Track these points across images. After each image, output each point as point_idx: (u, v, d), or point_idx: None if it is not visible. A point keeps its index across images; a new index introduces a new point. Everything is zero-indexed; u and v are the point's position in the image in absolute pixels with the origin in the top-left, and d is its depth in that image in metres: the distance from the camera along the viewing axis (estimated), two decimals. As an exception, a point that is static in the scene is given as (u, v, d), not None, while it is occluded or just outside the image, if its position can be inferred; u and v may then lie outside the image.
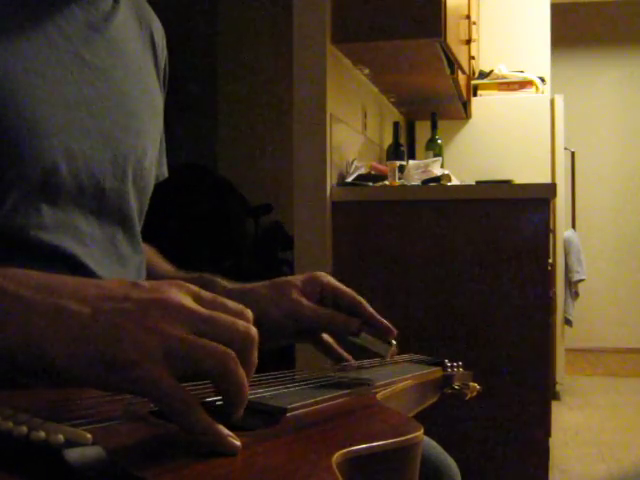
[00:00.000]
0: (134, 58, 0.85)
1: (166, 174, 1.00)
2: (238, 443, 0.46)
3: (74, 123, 0.72)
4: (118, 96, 0.79)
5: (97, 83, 0.76)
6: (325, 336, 0.88)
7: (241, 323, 0.50)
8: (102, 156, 0.76)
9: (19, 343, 0.47)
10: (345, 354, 0.88)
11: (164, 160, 1.00)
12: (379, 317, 0.85)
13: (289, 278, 0.86)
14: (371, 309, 0.85)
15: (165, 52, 0.96)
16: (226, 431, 0.46)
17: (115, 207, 0.79)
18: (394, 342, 0.84)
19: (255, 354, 0.50)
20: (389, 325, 0.85)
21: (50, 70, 0.70)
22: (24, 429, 0.41)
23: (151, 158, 0.87)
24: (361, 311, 0.85)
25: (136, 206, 0.83)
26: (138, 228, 0.85)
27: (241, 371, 0.48)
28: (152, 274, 0.93)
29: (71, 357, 0.46)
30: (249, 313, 0.52)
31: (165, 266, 0.98)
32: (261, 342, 0.92)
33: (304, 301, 0.84)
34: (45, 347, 0.47)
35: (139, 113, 0.83)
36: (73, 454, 0.39)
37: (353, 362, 0.87)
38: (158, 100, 0.91)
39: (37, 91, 0.68)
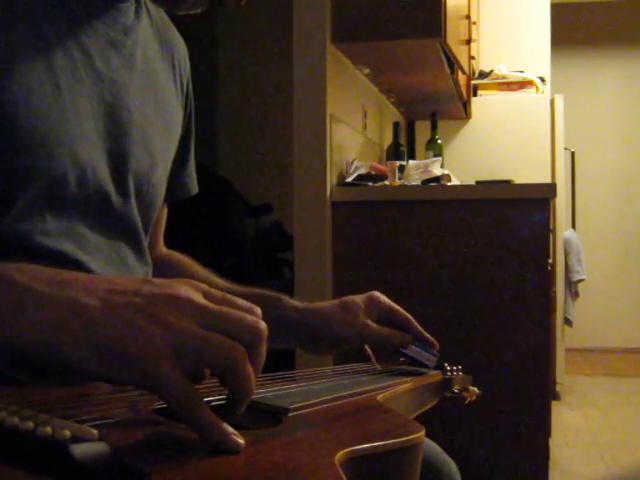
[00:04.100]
0: (151, 74, 0.86)
1: (196, 189, 1.03)
2: (242, 441, 0.46)
3: (83, 135, 0.73)
4: (130, 111, 0.80)
5: (110, 97, 0.77)
6: (367, 347, 0.99)
7: (250, 317, 0.50)
8: (108, 169, 0.77)
9: (30, 335, 0.47)
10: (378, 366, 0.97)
11: (194, 175, 1.02)
12: (425, 333, 0.98)
13: (354, 299, 0.98)
14: (418, 326, 0.98)
15: (188, 70, 0.97)
16: (230, 429, 0.46)
17: (120, 219, 0.80)
18: (437, 354, 0.98)
19: (264, 348, 0.50)
20: (433, 340, 0.98)
21: (64, 81, 0.71)
22: (30, 424, 0.41)
23: (160, 175, 0.87)
24: (411, 327, 0.98)
25: (141, 219, 0.84)
26: (144, 239, 0.85)
27: (249, 365, 0.48)
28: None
29: (80, 349, 0.47)
30: (258, 309, 0.53)
31: (220, 281, 1.00)
32: (322, 350, 0.99)
33: (370, 323, 0.96)
34: (55, 339, 0.47)
35: (150, 129, 0.83)
36: (79, 449, 0.40)
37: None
38: (174, 117, 0.92)
39: (49, 100, 0.69)
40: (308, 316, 0.96)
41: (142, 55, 0.84)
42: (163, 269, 0.97)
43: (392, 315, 0.97)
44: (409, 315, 0.98)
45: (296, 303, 0.97)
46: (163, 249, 1.04)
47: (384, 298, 0.99)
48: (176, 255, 1.04)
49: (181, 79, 0.94)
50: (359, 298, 0.97)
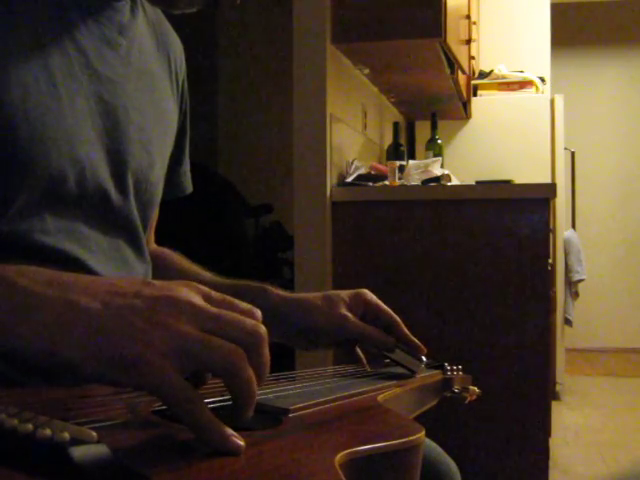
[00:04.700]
0: (147, 72, 0.86)
1: (190, 188, 1.03)
2: (242, 443, 0.46)
3: (81, 133, 0.73)
4: (128, 109, 0.80)
5: (107, 95, 0.77)
6: (358, 350, 0.95)
7: (249, 321, 0.50)
8: (107, 167, 0.77)
9: (30, 337, 0.47)
10: (368, 367, 0.94)
11: (188, 174, 1.02)
12: (412, 337, 0.94)
13: (338, 292, 0.95)
14: (405, 329, 0.94)
15: (183, 69, 0.97)
16: (230, 431, 0.46)
17: (119, 217, 0.80)
18: (424, 359, 0.92)
19: (265, 352, 0.50)
20: (420, 344, 0.93)
21: (61, 80, 0.71)
22: (30, 427, 0.41)
23: (158, 172, 0.87)
24: (397, 330, 0.93)
25: (139, 218, 0.84)
26: (143, 238, 0.86)
27: (249, 368, 0.48)
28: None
29: (80, 351, 0.47)
30: (258, 312, 0.53)
31: (206, 274, 0.99)
32: (306, 345, 0.96)
33: (350, 316, 0.92)
34: (55, 341, 0.47)
35: (147, 127, 0.83)
36: (78, 451, 0.40)
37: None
38: (170, 115, 0.92)
39: (46, 99, 0.69)
40: (291, 306, 0.95)
41: (138, 54, 0.84)
42: (154, 265, 0.97)
43: (378, 315, 0.94)
44: (397, 317, 0.94)
45: (281, 293, 0.96)
46: (153, 246, 1.04)
47: (372, 296, 0.95)
48: (166, 251, 1.04)
49: (177, 78, 0.94)
50: (344, 293, 0.95)
